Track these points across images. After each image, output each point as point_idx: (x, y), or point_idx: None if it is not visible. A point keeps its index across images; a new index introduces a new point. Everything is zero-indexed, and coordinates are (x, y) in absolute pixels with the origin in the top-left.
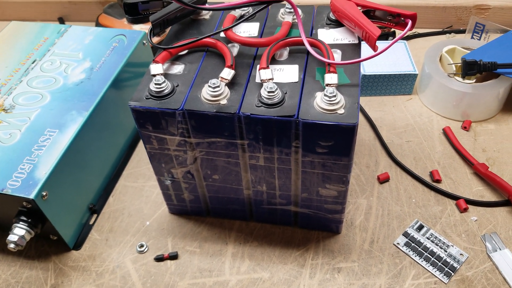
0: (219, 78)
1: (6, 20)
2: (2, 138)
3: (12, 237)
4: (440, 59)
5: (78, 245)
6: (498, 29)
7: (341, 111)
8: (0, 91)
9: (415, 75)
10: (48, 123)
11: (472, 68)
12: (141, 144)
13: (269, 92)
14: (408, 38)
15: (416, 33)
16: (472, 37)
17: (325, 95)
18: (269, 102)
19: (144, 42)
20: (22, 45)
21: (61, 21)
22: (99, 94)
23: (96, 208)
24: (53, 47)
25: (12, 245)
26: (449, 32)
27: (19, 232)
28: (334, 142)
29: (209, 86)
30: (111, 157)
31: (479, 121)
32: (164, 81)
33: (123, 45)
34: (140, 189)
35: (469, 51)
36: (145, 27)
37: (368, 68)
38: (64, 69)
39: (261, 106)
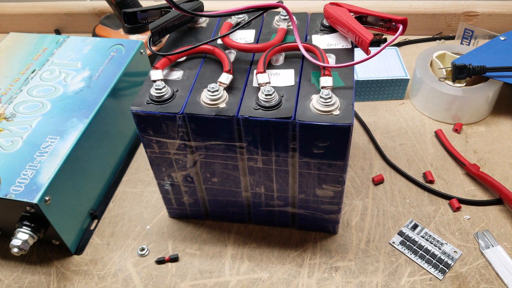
0: (218, 83)
1: (3, 32)
2: (4, 146)
3: (16, 242)
4: (430, 64)
5: (79, 250)
6: (486, 35)
7: (337, 112)
8: (0, 100)
9: (406, 80)
10: (49, 130)
11: (462, 72)
12: (139, 151)
13: (266, 95)
14: (399, 44)
15: (406, 39)
16: (461, 43)
17: (321, 97)
18: (267, 104)
19: (141, 51)
20: (21, 56)
21: (58, 32)
22: (99, 102)
23: (96, 213)
24: (52, 57)
25: (15, 250)
26: (439, 39)
27: (22, 236)
28: (331, 142)
29: (208, 91)
30: (110, 164)
31: (470, 123)
32: (164, 86)
33: (121, 54)
34: (139, 195)
35: (458, 56)
36: (141, 37)
37: (361, 73)
38: (64, 78)
39: (259, 108)
